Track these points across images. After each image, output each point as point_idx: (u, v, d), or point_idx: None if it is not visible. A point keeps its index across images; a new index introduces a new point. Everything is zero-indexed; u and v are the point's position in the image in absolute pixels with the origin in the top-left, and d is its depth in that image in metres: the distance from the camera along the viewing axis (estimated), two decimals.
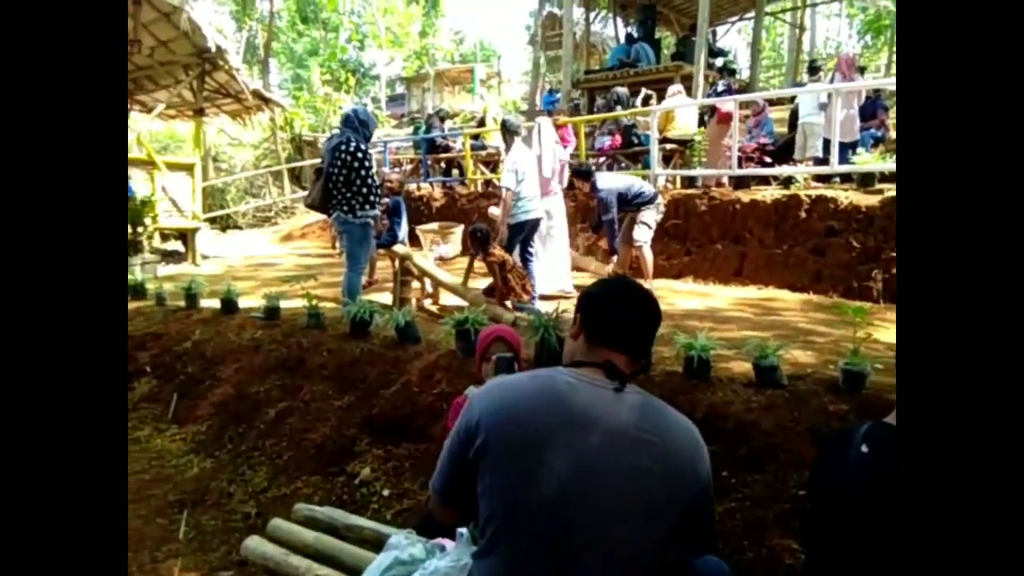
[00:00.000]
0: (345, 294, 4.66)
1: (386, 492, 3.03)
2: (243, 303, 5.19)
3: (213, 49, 8.62)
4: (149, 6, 7.96)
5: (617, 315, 1.39)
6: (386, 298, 6.03)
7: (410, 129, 17.95)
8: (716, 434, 2.58)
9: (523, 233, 5.37)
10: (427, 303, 5.64)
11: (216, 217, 13.05)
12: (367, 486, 3.12)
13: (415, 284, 5.70)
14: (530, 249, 5.52)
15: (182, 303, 5.37)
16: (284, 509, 2.81)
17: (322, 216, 9.50)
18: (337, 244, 10.00)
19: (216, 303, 5.14)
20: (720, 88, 9.43)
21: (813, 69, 8.64)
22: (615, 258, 6.13)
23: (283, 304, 4.90)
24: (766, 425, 2.66)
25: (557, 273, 6.01)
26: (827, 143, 6.55)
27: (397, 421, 3.40)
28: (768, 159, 7.06)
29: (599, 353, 1.37)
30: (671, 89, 7.86)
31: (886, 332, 3.67)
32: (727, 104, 7.09)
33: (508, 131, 5.50)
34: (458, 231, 8.67)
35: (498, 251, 4.92)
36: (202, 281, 5.55)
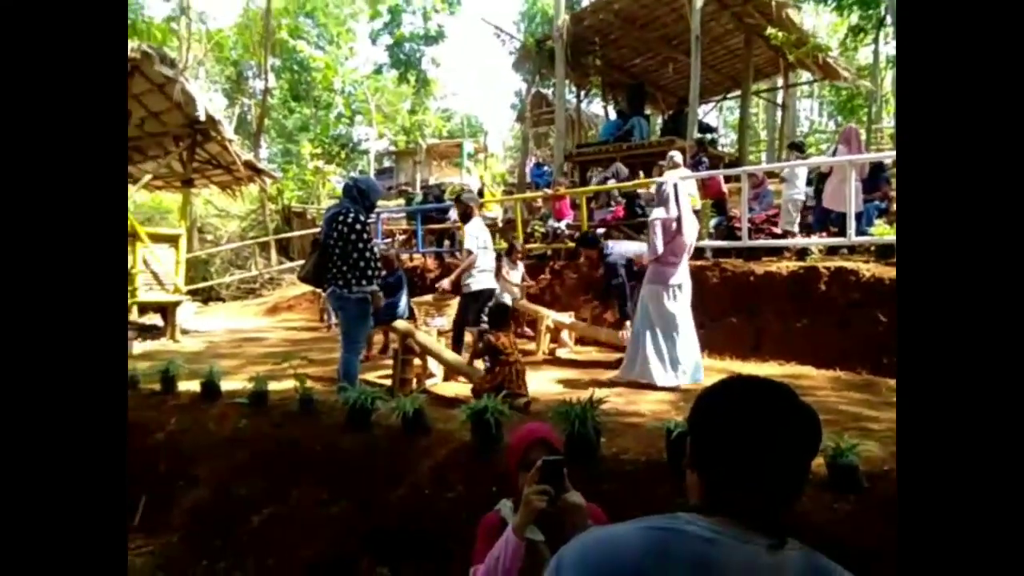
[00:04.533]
0: (342, 377, 4.20)
1: None
2: (226, 385, 4.70)
3: (205, 119, 8.44)
4: (142, 77, 7.81)
5: (746, 445, 0.92)
6: (379, 369, 5.59)
7: (400, 201, 17.92)
8: None
9: (479, 303, 5.43)
10: (429, 383, 5.18)
11: (198, 290, 12.59)
12: None
13: (416, 362, 5.26)
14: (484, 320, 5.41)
15: (157, 386, 4.85)
16: None
17: (309, 288, 9.20)
18: (325, 317, 9.60)
19: (196, 386, 4.64)
20: (705, 163, 9.38)
21: (799, 147, 8.71)
22: (628, 323, 5.73)
23: (271, 386, 4.42)
24: (859, 541, 2.22)
25: (689, 361, 5.00)
26: (839, 216, 6.42)
27: (405, 533, 2.90)
28: (777, 230, 6.89)
29: (728, 496, 0.94)
30: (673, 157, 7.73)
31: None
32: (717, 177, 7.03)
33: (465, 205, 5.66)
34: (454, 303, 8.30)
35: (508, 339, 4.43)
36: (180, 361, 5.05)
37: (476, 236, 5.39)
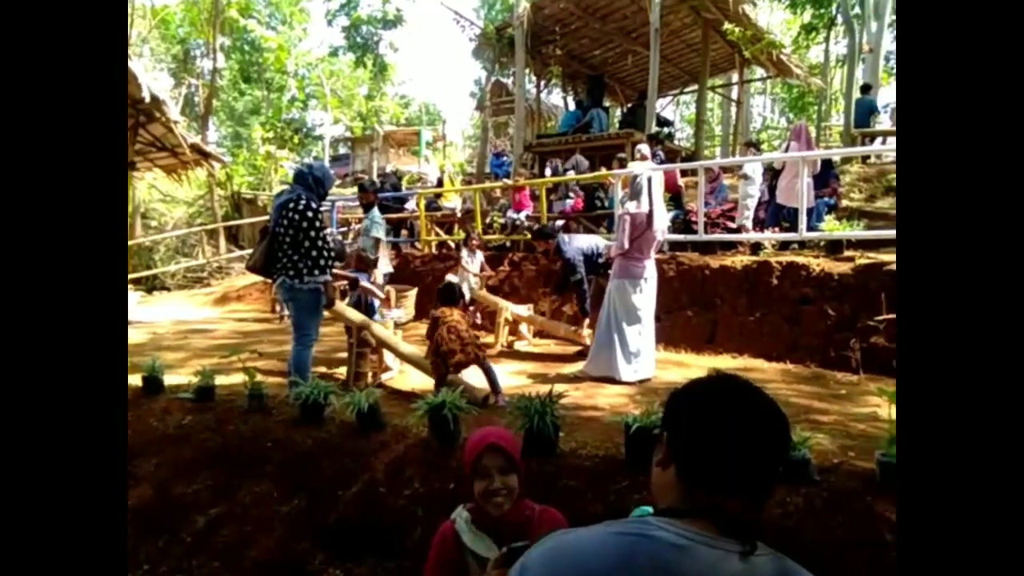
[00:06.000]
0: (292, 371, 4.06)
1: None
2: (170, 379, 4.49)
3: (149, 100, 8.03)
4: None
5: (727, 444, 0.92)
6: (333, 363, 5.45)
7: (355, 189, 17.55)
8: None
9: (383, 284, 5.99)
10: (385, 377, 5.08)
11: (142, 278, 12.05)
12: None
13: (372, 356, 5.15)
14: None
15: None
16: None
17: (260, 277, 8.89)
18: (277, 308, 9.32)
19: (137, 380, 4.42)
20: (660, 157, 9.50)
21: (756, 145, 8.92)
22: (587, 321, 5.84)
23: (218, 380, 4.24)
24: (810, 534, 2.27)
25: (647, 357, 5.05)
26: (791, 212, 6.57)
27: (360, 531, 2.82)
28: (732, 224, 7.02)
29: (703, 497, 0.93)
30: (641, 150, 7.74)
31: (884, 407, 3.40)
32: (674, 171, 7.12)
33: (370, 194, 6.23)
34: (412, 294, 8.16)
35: (453, 315, 4.38)
36: None
37: (381, 224, 6.01)
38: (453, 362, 4.21)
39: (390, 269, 6.30)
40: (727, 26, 11.25)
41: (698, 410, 0.98)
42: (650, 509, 1.11)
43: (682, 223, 7.57)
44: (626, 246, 4.92)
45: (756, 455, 0.93)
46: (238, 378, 4.17)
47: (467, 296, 6.65)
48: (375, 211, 6.09)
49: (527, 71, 14.06)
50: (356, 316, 4.90)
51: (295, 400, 3.63)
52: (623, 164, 8.01)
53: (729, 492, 0.92)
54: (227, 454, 3.47)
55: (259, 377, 4.04)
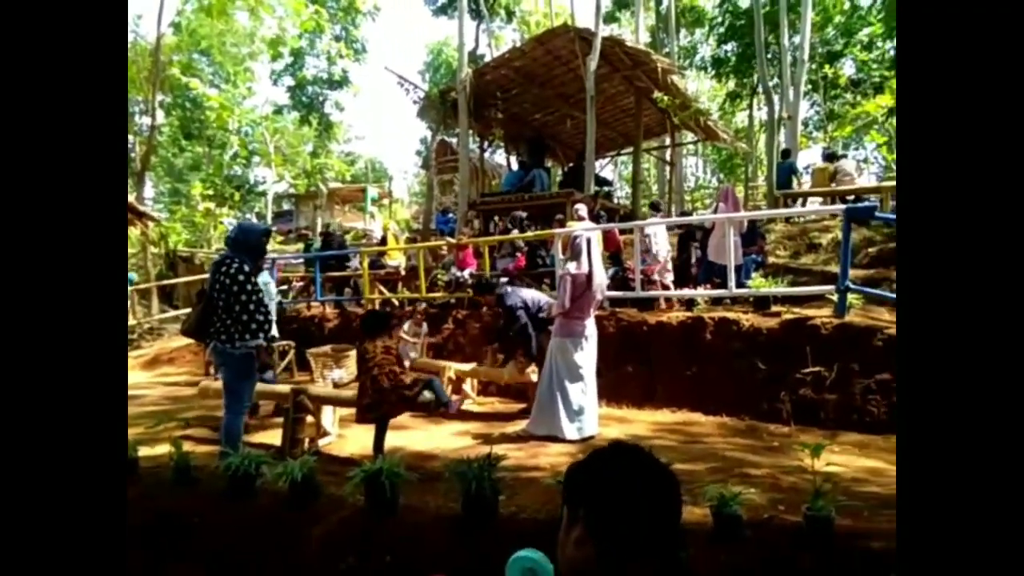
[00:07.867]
0: (223, 439, 3.90)
1: None
2: None
3: None
4: None
5: (645, 512, 0.98)
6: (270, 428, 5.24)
7: (299, 246, 17.33)
8: None
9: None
10: (322, 443, 4.92)
11: None
12: None
13: (309, 420, 4.99)
14: None
15: None
16: None
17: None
18: (211, 371, 8.95)
19: None
20: (604, 217, 9.89)
21: (657, 207, 9.48)
22: (534, 364, 5.81)
23: (143, 451, 4.02)
24: None
25: (590, 415, 5.10)
26: (721, 269, 6.89)
27: None
28: (667, 281, 7.27)
29: (623, 567, 0.98)
30: (578, 211, 8.00)
31: (811, 459, 3.52)
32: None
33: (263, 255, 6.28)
34: (353, 354, 8.03)
35: (377, 351, 4.24)
36: None
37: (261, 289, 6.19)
38: (363, 417, 4.07)
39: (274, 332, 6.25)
40: (657, 94, 11.97)
41: (613, 481, 1.03)
42: (530, 554, 1.12)
43: (620, 280, 7.80)
44: (567, 306, 5.03)
45: (667, 514, 1.00)
46: (165, 448, 3.97)
47: (407, 364, 6.56)
48: (263, 275, 6.23)
49: (471, 132, 14.49)
50: (284, 388, 4.79)
51: (224, 471, 3.46)
52: (562, 225, 8.26)
53: (652, 554, 0.97)
54: (149, 532, 3.26)
55: (188, 446, 3.86)
